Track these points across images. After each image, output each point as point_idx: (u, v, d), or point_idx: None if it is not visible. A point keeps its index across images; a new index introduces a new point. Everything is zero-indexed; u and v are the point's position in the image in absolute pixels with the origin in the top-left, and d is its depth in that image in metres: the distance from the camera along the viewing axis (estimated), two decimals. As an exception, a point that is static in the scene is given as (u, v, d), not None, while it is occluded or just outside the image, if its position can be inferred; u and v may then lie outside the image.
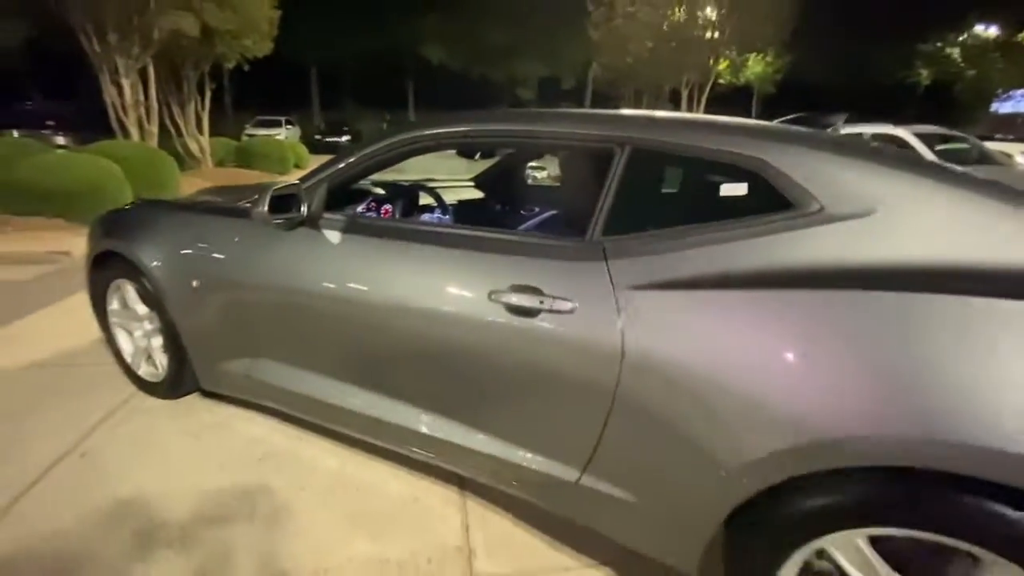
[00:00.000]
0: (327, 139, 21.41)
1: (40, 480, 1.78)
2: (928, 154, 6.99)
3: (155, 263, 1.98)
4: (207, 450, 1.97)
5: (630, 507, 1.23)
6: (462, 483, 1.79)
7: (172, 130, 9.58)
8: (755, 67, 29.28)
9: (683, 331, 1.08)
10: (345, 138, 21.43)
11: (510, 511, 1.68)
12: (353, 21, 24.04)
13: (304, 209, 1.66)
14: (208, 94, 9.92)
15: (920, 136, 7.38)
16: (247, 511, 1.66)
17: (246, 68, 9.56)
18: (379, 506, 1.70)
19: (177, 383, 2.21)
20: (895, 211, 1.02)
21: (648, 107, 10.49)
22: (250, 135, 19.22)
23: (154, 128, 8.08)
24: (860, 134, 8.18)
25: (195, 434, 2.06)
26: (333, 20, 23.41)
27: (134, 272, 2.07)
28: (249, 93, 25.00)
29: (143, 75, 7.92)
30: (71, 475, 1.81)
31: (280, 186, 1.64)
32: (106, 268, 2.23)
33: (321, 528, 1.60)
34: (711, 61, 9.90)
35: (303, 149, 13.33)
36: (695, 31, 9.32)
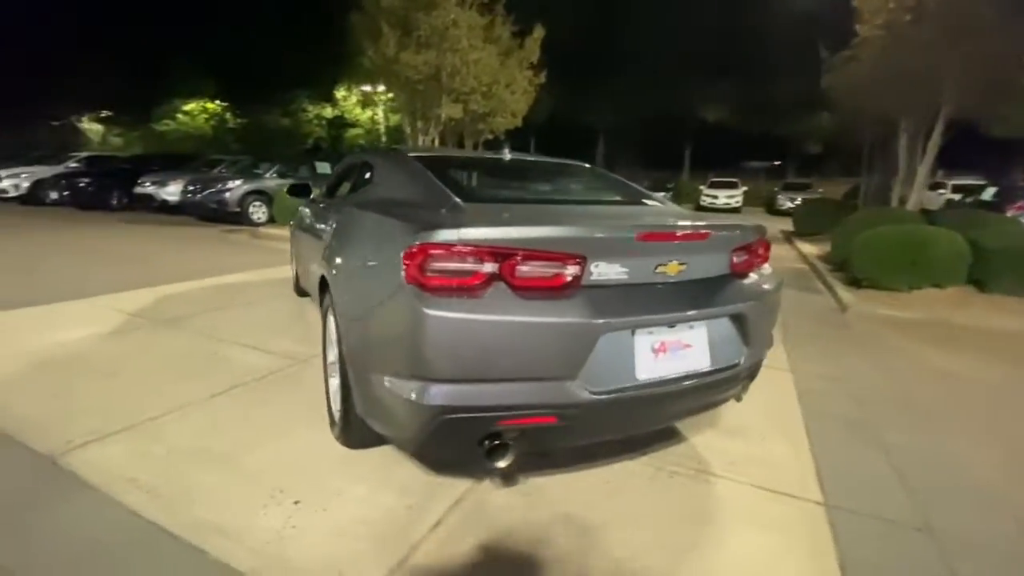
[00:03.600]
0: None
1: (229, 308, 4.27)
2: None
3: (292, 222, 4.34)
4: (291, 309, 4.16)
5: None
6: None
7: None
8: None
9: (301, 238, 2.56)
10: (607, 193, 24.43)
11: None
12: (637, 89, 27.06)
13: (312, 195, 3.67)
14: (478, 156, 13.81)
15: None
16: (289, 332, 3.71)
17: (502, 137, 12.98)
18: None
19: (297, 288, 4.52)
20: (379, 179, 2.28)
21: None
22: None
23: None
24: None
25: (289, 310, 4.29)
26: (618, 89, 26.99)
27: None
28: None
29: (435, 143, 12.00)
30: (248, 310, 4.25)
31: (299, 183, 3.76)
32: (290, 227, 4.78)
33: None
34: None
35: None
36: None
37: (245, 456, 2.09)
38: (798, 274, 7.15)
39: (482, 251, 1.49)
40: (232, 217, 10.14)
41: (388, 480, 1.96)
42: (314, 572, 1.51)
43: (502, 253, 1.50)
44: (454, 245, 1.49)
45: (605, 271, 1.60)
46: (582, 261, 1.57)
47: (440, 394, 1.49)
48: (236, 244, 8.33)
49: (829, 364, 3.52)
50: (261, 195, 10.55)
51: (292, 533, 1.67)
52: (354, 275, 1.88)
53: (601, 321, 1.53)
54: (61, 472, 1.94)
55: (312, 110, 31.93)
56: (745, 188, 21.96)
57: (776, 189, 21.92)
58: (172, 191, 11.50)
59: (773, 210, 20.15)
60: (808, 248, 9.46)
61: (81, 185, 12.68)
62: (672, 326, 1.70)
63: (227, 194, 10.11)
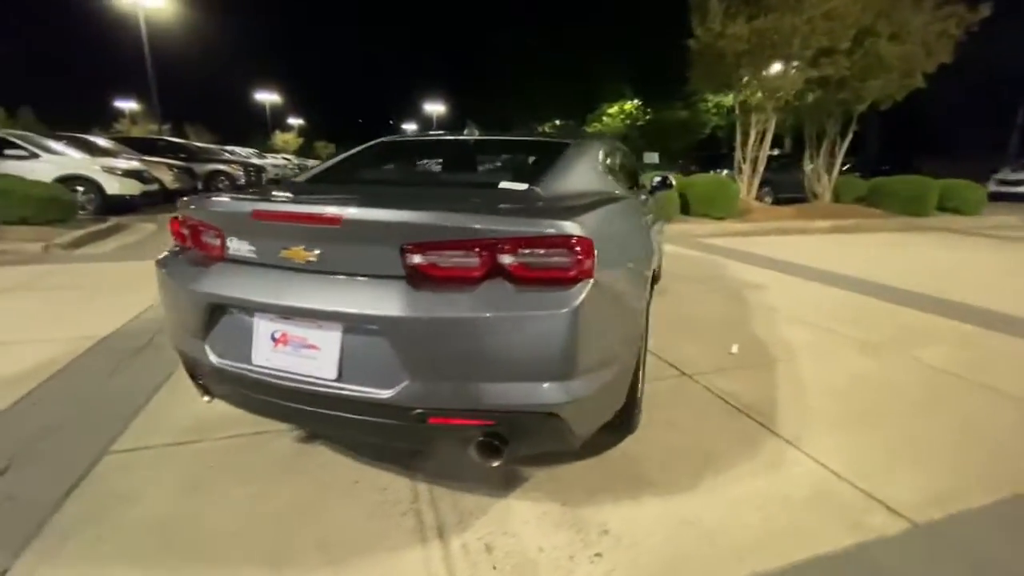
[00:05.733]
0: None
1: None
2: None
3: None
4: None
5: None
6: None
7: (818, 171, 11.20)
8: None
9: None
10: None
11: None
12: None
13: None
14: (848, 139, 10.68)
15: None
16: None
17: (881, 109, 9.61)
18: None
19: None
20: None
21: None
22: (1001, 180, 16.54)
23: (746, 167, 10.42)
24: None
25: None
26: None
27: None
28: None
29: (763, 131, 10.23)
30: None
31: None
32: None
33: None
34: None
35: (979, 194, 11.03)
36: None
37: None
38: None
39: (185, 222, 1.78)
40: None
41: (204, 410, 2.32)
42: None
43: (193, 225, 1.74)
44: (178, 216, 1.84)
45: (237, 247, 1.57)
46: (221, 234, 1.61)
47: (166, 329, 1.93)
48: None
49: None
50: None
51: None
52: None
53: (203, 291, 1.56)
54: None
55: (712, 99, 31.46)
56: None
57: None
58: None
59: None
60: None
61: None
62: (287, 318, 1.48)
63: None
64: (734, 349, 3.27)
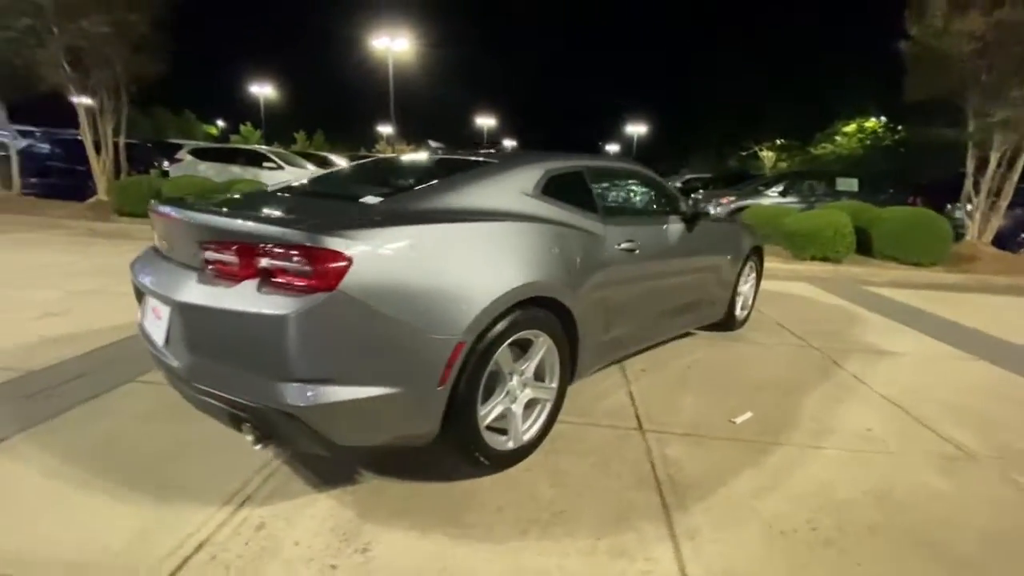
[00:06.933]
0: None
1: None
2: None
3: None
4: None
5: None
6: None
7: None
8: None
9: None
10: None
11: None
12: None
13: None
14: None
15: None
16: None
17: None
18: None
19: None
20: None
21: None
22: None
23: (978, 200, 7.76)
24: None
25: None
26: None
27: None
28: None
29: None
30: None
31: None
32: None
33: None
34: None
35: None
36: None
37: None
38: None
39: None
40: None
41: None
42: None
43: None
44: None
45: (155, 238, 2.02)
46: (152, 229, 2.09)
47: None
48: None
49: None
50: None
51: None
52: None
53: (133, 270, 2.05)
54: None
55: (1001, 112, 24.07)
56: None
57: None
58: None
59: None
60: None
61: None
62: (154, 294, 1.85)
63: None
64: (739, 419, 2.67)
